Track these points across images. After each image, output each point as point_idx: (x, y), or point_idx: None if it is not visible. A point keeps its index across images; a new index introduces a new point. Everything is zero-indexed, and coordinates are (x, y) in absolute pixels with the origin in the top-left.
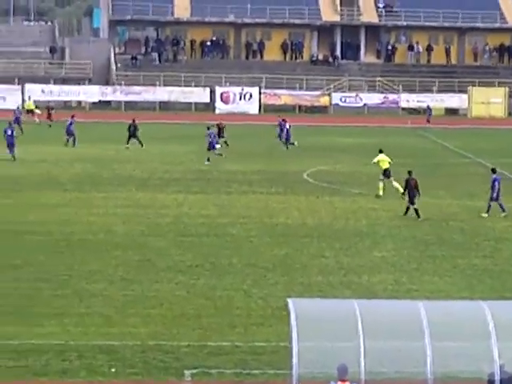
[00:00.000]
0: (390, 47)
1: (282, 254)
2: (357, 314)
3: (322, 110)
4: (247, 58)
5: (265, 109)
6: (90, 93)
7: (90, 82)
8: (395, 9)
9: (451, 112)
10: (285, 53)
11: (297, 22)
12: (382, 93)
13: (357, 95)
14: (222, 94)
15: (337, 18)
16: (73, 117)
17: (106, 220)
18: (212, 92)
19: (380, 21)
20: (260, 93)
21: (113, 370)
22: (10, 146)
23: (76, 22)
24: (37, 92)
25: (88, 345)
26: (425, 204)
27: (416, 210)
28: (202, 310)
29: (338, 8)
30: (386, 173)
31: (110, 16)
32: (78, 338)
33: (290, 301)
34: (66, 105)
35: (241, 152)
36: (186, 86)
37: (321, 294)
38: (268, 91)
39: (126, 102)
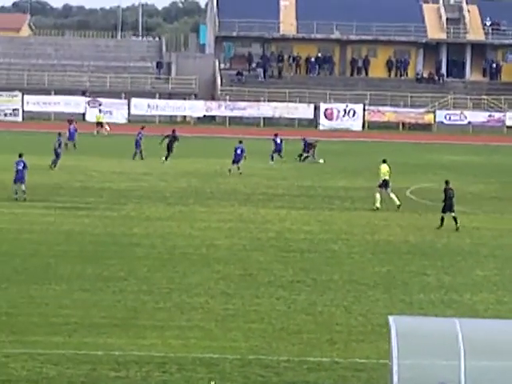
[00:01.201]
0: (496, 65)
1: (383, 271)
2: (458, 332)
3: (426, 127)
4: (352, 74)
5: (369, 126)
6: (195, 108)
7: (196, 97)
8: (502, 27)
9: None
10: (389, 70)
11: (402, 39)
12: (487, 111)
13: (461, 113)
14: (325, 111)
15: (443, 36)
16: (142, 128)
17: (208, 234)
18: (316, 108)
19: (486, 39)
20: (364, 109)
21: (212, 383)
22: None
23: (183, 38)
24: (143, 107)
25: (188, 357)
26: None
27: (455, 218)
28: (303, 325)
29: (444, 26)
30: (385, 183)
31: (217, 32)
32: (179, 350)
33: (390, 318)
34: (171, 119)
35: (344, 168)
36: (290, 101)
37: (422, 311)
38: (372, 108)
39: (231, 118)
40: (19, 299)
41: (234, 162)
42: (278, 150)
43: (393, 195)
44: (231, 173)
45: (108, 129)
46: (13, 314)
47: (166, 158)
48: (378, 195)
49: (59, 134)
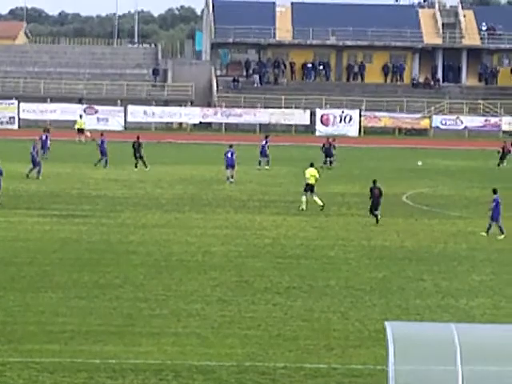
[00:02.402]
0: (491, 70)
1: (379, 276)
2: (455, 337)
3: (423, 132)
4: (348, 80)
5: (365, 131)
6: (192, 114)
7: (192, 103)
8: (498, 31)
9: None
10: (386, 75)
11: (398, 44)
12: (484, 116)
13: (457, 118)
14: (322, 116)
15: (439, 41)
16: (102, 135)
17: (204, 241)
18: (312, 114)
19: (482, 43)
20: (360, 115)
21: None
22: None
23: (179, 45)
24: (139, 114)
25: (185, 365)
26: None
27: (376, 216)
28: (299, 331)
29: (440, 31)
30: (309, 187)
31: (213, 39)
32: (175, 357)
33: (387, 323)
34: (167, 126)
35: (340, 174)
36: (286, 108)
37: (418, 317)
38: (368, 114)
39: (227, 124)
40: (15, 307)
41: (227, 167)
42: (262, 152)
43: (316, 198)
44: (229, 179)
45: (89, 135)
46: (9, 323)
47: (136, 166)
48: (303, 198)
49: (36, 141)
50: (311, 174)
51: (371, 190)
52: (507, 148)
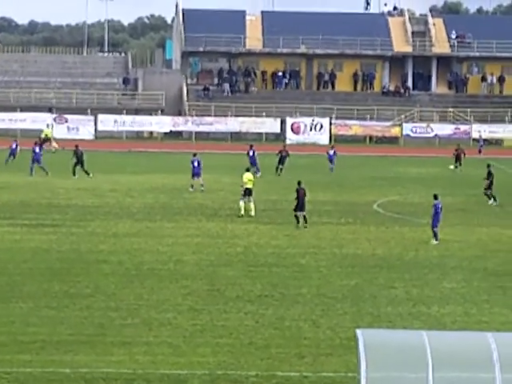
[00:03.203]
0: (461, 78)
1: (351, 284)
2: (426, 345)
3: (393, 140)
4: (318, 88)
5: (335, 139)
6: (162, 123)
7: (163, 112)
8: (467, 40)
9: None
10: (356, 83)
11: (368, 52)
12: (454, 123)
13: (428, 126)
14: (292, 125)
15: (409, 49)
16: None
17: (175, 249)
18: (283, 122)
19: (452, 51)
20: (331, 123)
21: None
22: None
23: (149, 54)
24: (110, 122)
25: (156, 374)
26: (497, 235)
27: (304, 217)
28: (271, 339)
29: (410, 39)
30: (248, 192)
31: (183, 47)
32: (147, 366)
33: (358, 331)
34: (138, 135)
35: (311, 182)
36: (257, 116)
37: (390, 324)
38: (339, 122)
39: (198, 133)
40: None
41: (193, 175)
42: (252, 163)
43: (252, 205)
44: (194, 188)
45: (56, 146)
46: None
47: (87, 174)
48: (241, 203)
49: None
50: (248, 178)
51: (297, 190)
52: (460, 152)
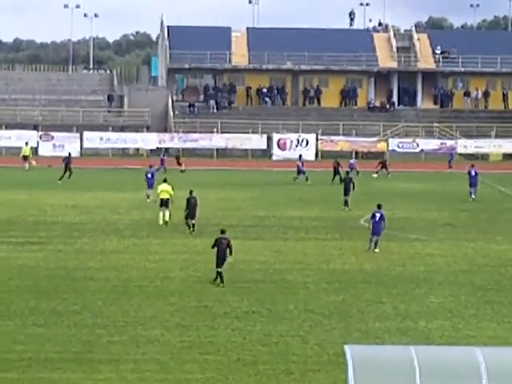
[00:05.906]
0: (446, 93)
1: (338, 300)
2: (414, 360)
3: (379, 155)
4: (304, 104)
5: (322, 155)
6: (148, 140)
7: (148, 129)
8: (452, 55)
9: (509, 157)
10: (341, 99)
11: (354, 68)
12: (439, 138)
13: (413, 141)
14: (278, 141)
15: (394, 65)
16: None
17: (162, 266)
18: (269, 139)
19: (437, 67)
20: (317, 139)
21: None
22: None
23: (135, 71)
24: (95, 140)
25: None
26: (483, 249)
27: (193, 225)
28: (259, 356)
29: (395, 54)
30: (164, 202)
31: (168, 64)
32: None
33: (346, 347)
34: (124, 152)
35: (298, 198)
36: (243, 132)
37: (378, 340)
38: (325, 137)
39: (184, 149)
40: None
41: (149, 186)
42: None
43: (167, 213)
44: (149, 198)
45: (34, 163)
46: None
47: (67, 177)
48: (161, 213)
49: None
50: (162, 189)
51: (188, 199)
52: (336, 165)
